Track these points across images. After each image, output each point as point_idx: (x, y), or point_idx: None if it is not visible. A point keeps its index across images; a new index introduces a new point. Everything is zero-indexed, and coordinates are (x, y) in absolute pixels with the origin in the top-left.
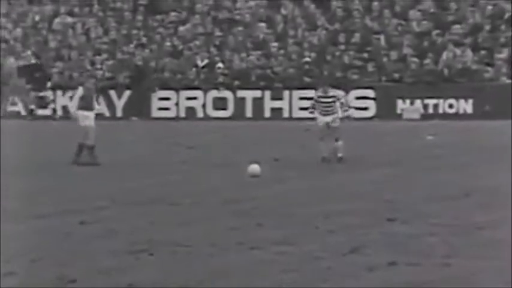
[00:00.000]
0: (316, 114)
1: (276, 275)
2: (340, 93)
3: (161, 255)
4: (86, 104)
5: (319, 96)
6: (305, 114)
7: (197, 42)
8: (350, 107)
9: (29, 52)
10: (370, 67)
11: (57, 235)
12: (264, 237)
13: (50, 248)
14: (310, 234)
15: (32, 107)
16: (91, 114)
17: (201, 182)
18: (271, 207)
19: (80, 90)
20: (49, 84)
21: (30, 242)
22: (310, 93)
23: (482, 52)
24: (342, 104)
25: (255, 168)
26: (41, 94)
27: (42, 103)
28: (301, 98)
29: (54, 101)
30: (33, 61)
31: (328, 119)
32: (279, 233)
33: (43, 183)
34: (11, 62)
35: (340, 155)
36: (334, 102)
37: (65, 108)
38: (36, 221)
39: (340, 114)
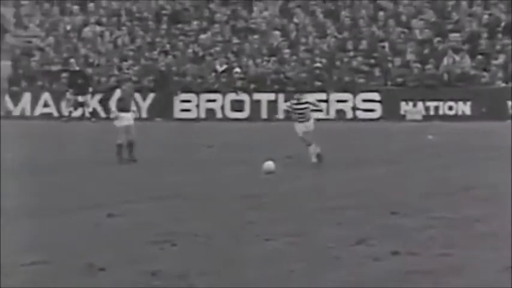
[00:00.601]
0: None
1: (289, 264)
2: (312, 100)
3: (183, 245)
4: (123, 105)
5: (293, 104)
6: (317, 115)
7: (216, 49)
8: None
9: (72, 60)
10: (376, 72)
11: (88, 227)
12: (277, 229)
13: (81, 239)
14: (319, 227)
15: (71, 109)
16: (128, 115)
17: (220, 178)
18: (284, 201)
19: (118, 93)
20: (90, 89)
21: (62, 233)
22: (321, 96)
23: (480, 58)
24: (314, 105)
25: (270, 165)
26: (81, 98)
27: (79, 106)
28: None
29: (89, 104)
30: (77, 68)
31: (304, 126)
32: (291, 226)
33: (75, 180)
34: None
35: (314, 160)
36: (307, 109)
37: (94, 110)
38: (68, 214)
39: (312, 120)
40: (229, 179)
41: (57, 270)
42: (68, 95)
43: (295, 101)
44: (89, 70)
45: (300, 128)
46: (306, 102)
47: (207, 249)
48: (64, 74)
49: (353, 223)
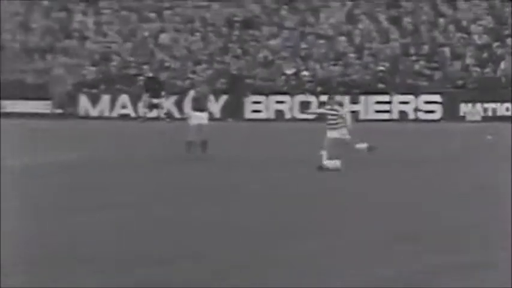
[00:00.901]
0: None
1: (344, 257)
2: (343, 110)
3: (245, 240)
4: (198, 106)
5: (326, 109)
6: (380, 116)
7: (285, 54)
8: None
9: (145, 66)
10: (437, 75)
11: (155, 221)
12: (340, 224)
13: (150, 231)
14: (381, 222)
15: (146, 110)
16: (203, 114)
17: (285, 177)
18: (345, 198)
19: (192, 94)
20: (163, 93)
21: (129, 227)
22: (384, 98)
23: None
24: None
25: (335, 163)
26: (155, 101)
27: (154, 108)
28: (376, 102)
29: (163, 106)
30: (150, 74)
31: (335, 134)
32: (352, 221)
33: (149, 176)
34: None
35: (365, 148)
36: (337, 116)
37: (169, 111)
38: (134, 209)
39: (346, 129)
40: (294, 178)
41: (124, 262)
42: (144, 98)
43: (328, 107)
44: (165, 74)
45: (333, 134)
46: (336, 110)
47: (267, 242)
48: (141, 77)
49: (414, 218)
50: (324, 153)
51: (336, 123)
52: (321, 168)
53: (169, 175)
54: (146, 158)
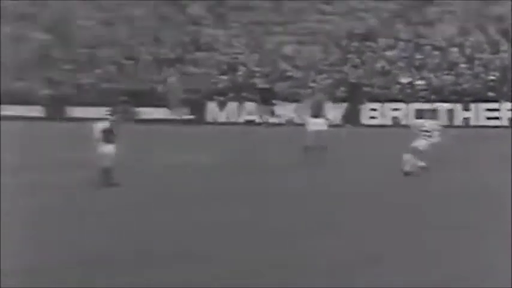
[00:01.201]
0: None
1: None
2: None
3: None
4: (314, 113)
5: (422, 125)
6: (490, 122)
7: (401, 64)
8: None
9: (260, 79)
10: None
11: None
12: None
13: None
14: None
15: (266, 117)
16: (320, 121)
17: (394, 179)
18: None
19: (309, 102)
20: (275, 101)
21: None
22: (494, 105)
23: None
24: (428, 132)
25: (422, 167)
26: (271, 108)
27: (271, 115)
28: (486, 110)
29: (277, 114)
30: (265, 86)
31: (420, 143)
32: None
33: (264, 180)
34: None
35: (421, 164)
36: (427, 131)
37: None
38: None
39: (427, 141)
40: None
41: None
42: (261, 106)
43: (424, 119)
44: (287, 83)
45: (419, 143)
46: (427, 126)
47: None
48: (260, 86)
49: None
50: (410, 158)
51: (425, 135)
52: (407, 173)
53: (288, 178)
54: (268, 161)
